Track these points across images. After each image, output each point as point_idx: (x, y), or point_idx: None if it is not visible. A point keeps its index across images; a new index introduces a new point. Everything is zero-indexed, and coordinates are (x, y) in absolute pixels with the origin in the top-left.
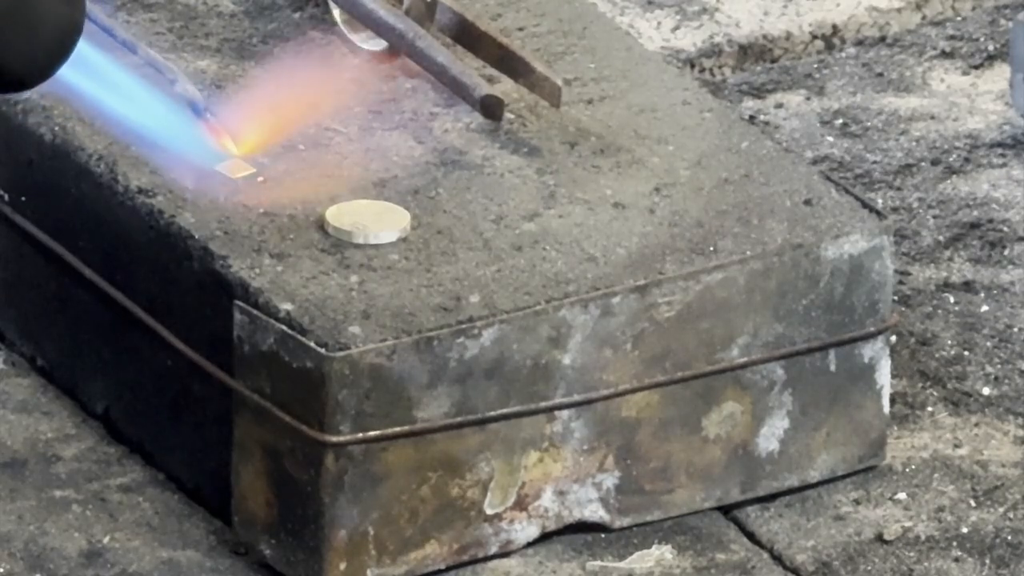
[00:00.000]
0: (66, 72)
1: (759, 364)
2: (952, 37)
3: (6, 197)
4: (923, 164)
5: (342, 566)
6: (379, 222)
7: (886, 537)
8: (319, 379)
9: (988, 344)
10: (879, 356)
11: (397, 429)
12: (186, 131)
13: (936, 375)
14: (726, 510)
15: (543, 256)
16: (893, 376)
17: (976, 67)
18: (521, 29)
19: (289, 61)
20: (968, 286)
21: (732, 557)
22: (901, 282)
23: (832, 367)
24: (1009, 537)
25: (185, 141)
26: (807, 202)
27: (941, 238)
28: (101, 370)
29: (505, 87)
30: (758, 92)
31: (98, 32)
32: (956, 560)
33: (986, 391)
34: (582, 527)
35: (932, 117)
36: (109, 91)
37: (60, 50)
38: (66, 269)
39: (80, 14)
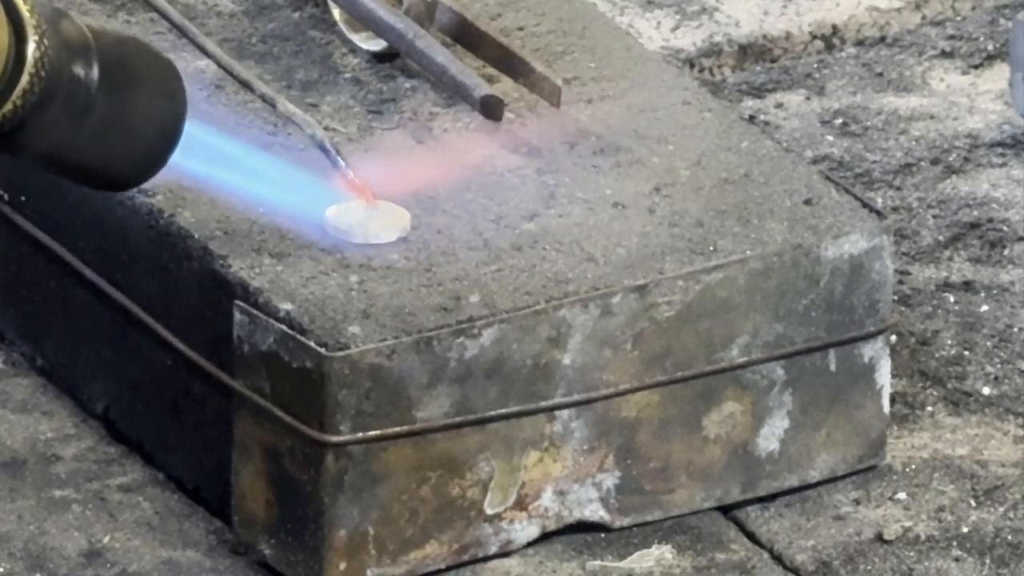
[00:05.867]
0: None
1: (759, 364)
2: (952, 37)
3: (6, 197)
4: (923, 164)
5: (342, 566)
6: (379, 222)
7: (886, 537)
8: (319, 379)
9: (988, 344)
10: (879, 356)
11: (397, 429)
12: (293, 179)
13: (936, 375)
14: (726, 510)
15: (543, 256)
16: (893, 376)
17: (976, 67)
18: (521, 29)
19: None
20: (968, 286)
21: (732, 557)
22: (901, 282)
23: (832, 367)
24: (1009, 537)
25: (292, 189)
26: (807, 202)
27: (941, 238)
28: (101, 370)
29: (505, 87)
30: (758, 92)
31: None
32: (956, 560)
33: (986, 391)
34: (582, 527)
35: (932, 117)
36: (216, 159)
37: (165, 147)
38: (66, 269)
39: (182, 109)
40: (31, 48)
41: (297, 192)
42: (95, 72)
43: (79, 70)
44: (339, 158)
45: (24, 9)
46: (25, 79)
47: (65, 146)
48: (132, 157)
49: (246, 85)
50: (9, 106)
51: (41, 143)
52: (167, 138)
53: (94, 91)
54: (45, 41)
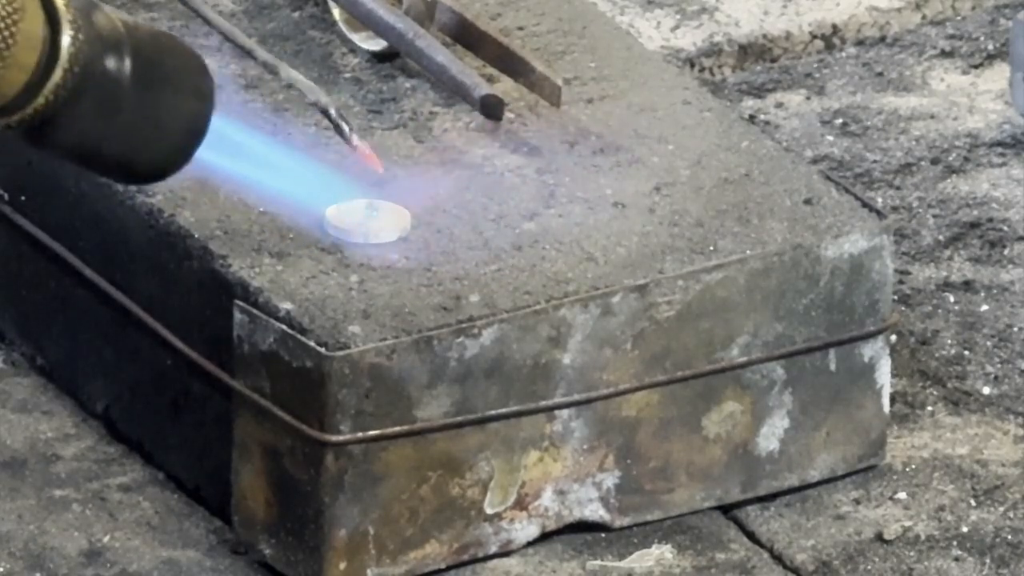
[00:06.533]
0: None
1: (759, 364)
2: (952, 36)
3: (6, 197)
4: (923, 163)
5: (342, 566)
6: (379, 221)
7: (886, 536)
8: (319, 378)
9: (988, 343)
10: (879, 355)
11: (397, 429)
12: (294, 179)
13: (936, 374)
14: (726, 509)
15: (543, 255)
16: (893, 375)
17: (976, 66)
18: (521, 28)
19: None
20: (968, 285)
21: (732, 556)
22: (901, 281)
23: (832, 367)
24: (1009, 536)
25: (293, 189)
26: (807, 201)
27: (941, 237)
28: (101, 369)
29: (505, 86)
30: (758, 91)
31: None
32: (956, 559)
33: (986, 390)
34: (582, 526)
35: (932, 116)
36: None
37: (192, 142)
38: (66, 269)
39: (209, 105)
40: (66, 41)
41: (298, 192)
42: (127, 67)
43: (112, 65)
44: (345, 125)
45: (60, 2)
46: (59, 74)
47: (93, 140)
48: (158, 153)
49: (248, 52)
50: (41, 100)
51: (69, 137)
52: (194, 135)
53: (126, 86)
54: (80, 35)
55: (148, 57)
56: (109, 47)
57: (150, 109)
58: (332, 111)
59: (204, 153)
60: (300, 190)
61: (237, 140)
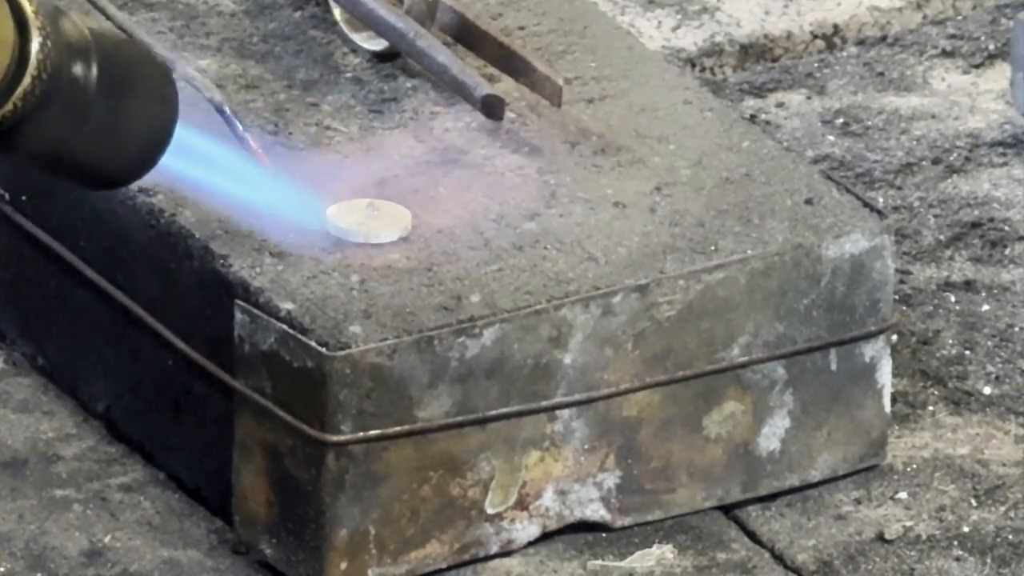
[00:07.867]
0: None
1: (760, 363)
2: (953, 36)
3: (6, 197)
4: (924, 163)
5: (343, 565)
6: (380, 221)
7: (887, 536)
8: (320, 378)
9: (989, 343)
10: (880, 355)
11: (398, 428)
12: (283, 192)
13: (937, 374)
14: (727, 509)
15: (544, 255)
16: (894, 375)
17: (977, 66)
18: (522, 28)
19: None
20: (969, 285)
21: (733, 556)
22: (902, 281)
23: (833, 366)
24: (1010, 536)
25: (292, 189)
26: (808, 201)
27: (942, 237)
28: (102, 370)
29: (506, 86)
30: (759, 91)
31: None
32: (957, 559)
33: (987, 390)
34: (583, 526)
35: (933, 116)
36: (206, 169)
37: (156, 149)
38: (66, 269)
39: (174, 112)
40: (35, 48)
41: (297, 192)
42: (94, 74)
43: (79, 71)
44: (238, 123)
45: (29, 9)
46: (27, 80)
47: (60, 146)
48: (124, 159)
49: (148, 47)
50: (9, 107)
51: (36, 143)
52: (159, 141)
53: (92, 93)
54: (48, 42)
55: (114, 64)
56: (76, 54)
57: (116, 116)
58: (226, 109)
59: (198, 171)
60: (294, 197)
61: (228, 154)
